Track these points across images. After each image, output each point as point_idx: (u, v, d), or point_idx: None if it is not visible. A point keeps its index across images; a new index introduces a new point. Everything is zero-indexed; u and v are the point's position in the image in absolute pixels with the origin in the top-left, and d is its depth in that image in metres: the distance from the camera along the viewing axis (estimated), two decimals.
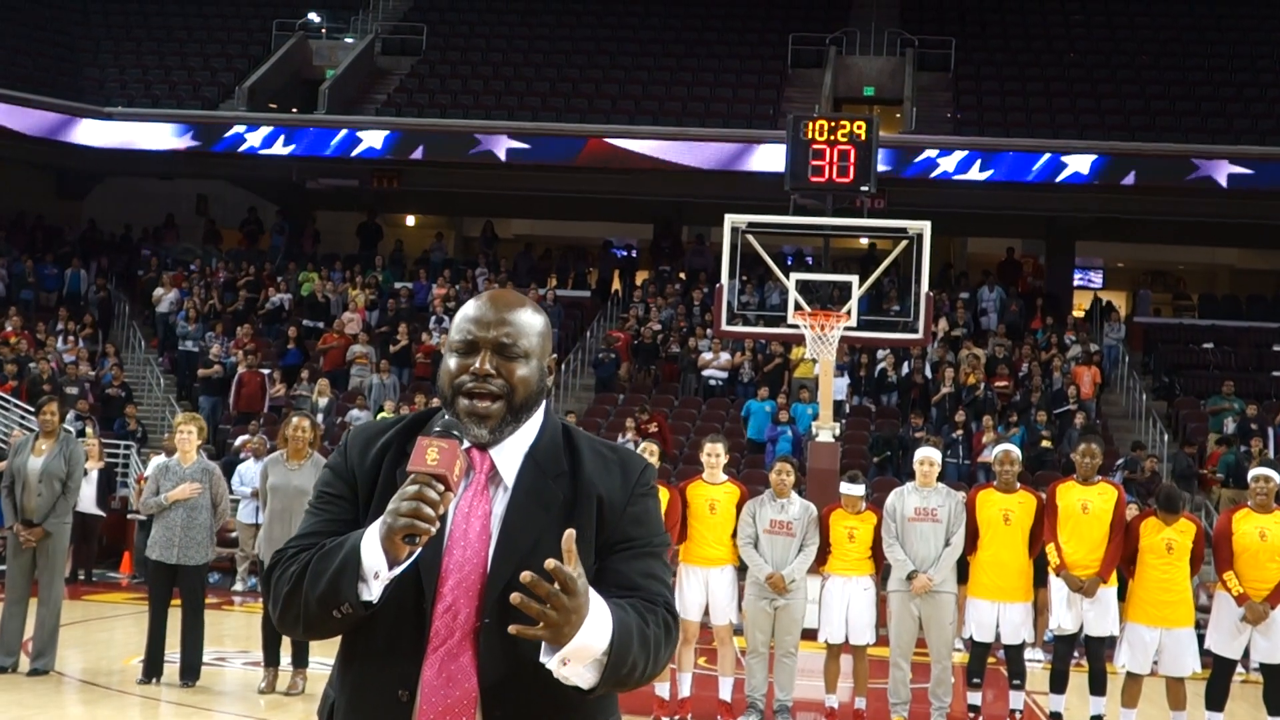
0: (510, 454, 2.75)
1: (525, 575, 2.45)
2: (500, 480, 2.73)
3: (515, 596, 2.46)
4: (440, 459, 2.56)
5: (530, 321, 2.79)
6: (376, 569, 2.56)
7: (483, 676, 2.61)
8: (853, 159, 19.32)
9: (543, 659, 2.52)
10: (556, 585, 2.45)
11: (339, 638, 2.77)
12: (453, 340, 2.79)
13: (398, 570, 2.58)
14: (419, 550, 2.58)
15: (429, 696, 2.62)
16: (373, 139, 27.93)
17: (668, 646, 2.67)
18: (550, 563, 2.46)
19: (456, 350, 2.77)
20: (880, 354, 24.87)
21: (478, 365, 2.72)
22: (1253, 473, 10.28)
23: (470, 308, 2.80)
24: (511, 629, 2.50)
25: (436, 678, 2.62)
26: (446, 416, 2.76)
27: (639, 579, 2.71)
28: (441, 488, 2.55)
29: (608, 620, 2.53)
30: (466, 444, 2.70)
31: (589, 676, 2.54)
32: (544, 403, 2.84)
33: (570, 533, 2.53)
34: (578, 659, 2.51)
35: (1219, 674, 9.99)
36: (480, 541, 2.66)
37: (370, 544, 2.57)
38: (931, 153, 26.72)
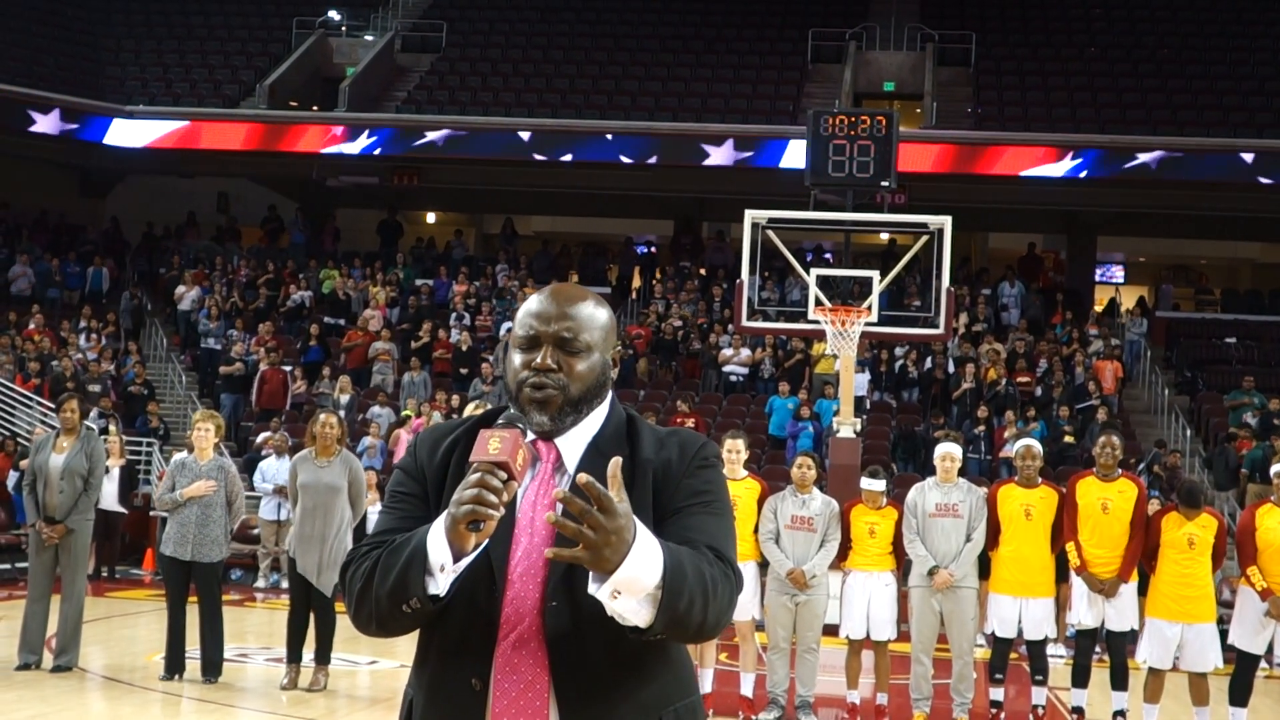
0: (575, 443, 2.79)
1: (558, 492, 2.45)
2: (565, 469, 2.77)
3: (549, 515, 2.47)
4: (502, 448, 2.58)
5: (592, 315, 2.82)
6: (442, 562, 2.58)
7: (553, 659, 2.63)
8: (873, 154, 19.28)
9: (591, 589, 2.50)
10: (593, 506, 2.43)
11: (413, 641, 2.80)
12: (516, 335, 2.82)
13: (463, 563, 2.59)
14: (484, 543, 2.60)
15: (501, 683, 2.65)
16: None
17: (727, 590, 2.63)
18: (582, 477, 2.44)
19: (519, 346, 2.80)
20: (898, 350, 24.83)
21: (539, 361, 2.75)
22: (1275, 468, 10.24)
23: (533, 302, 2.83)
24: (548, 551, 2.49)
25: (508, 664, 2.65)
26: (510, 412, 2.79)
27: (693, 535, 2.69)
28: (504, 475, 2.57)
29: (658, 552, 2.51)
30: (532, 436, 2.74)
31: (644, 613, 2.51)
32: (610, 394, 2.87)
33: (616, 460, 2.53)
34: (629, 591, 2.48)
35: (1242, 669, 9.96)
36: (546, 528, 2.67)
37: (436, 537, 2.59)
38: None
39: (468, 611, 2.65)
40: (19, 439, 20.87)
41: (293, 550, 10.69)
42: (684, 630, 2.60)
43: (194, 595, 10.72)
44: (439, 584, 2.60)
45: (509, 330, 23.52)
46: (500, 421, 2.74)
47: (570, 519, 2.43)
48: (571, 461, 2.76)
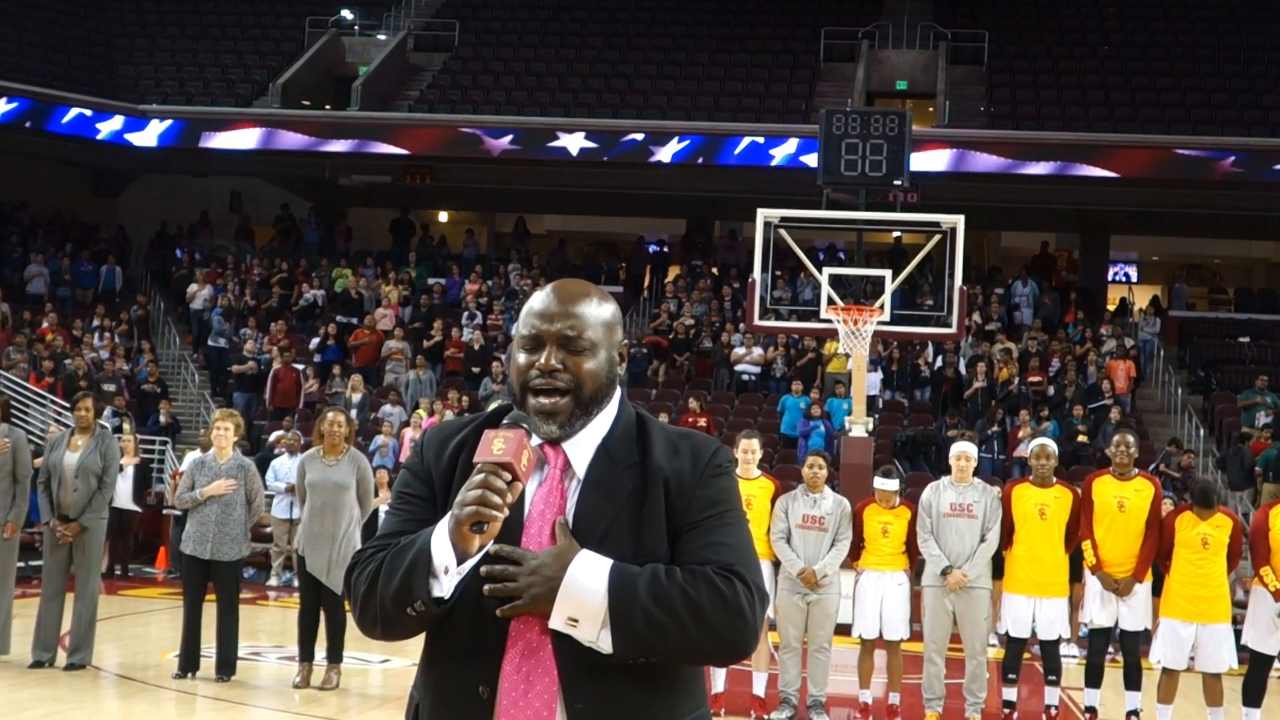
0: (583, 447, 2.74)
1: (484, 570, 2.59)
2: (574, 474, 2.72)
3: (559, 520, 2.64)
4: (506, 448, 2.55)
5: (596, 312, 2.76)
6: (446, 564, 2.57)
7: (562, 670, 2.61)
8: (885, 153, 19.26)
9: (551, 624, 2.57)
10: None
11: (422, 640, 2.78)
12: (519, 335, 2.77)
13: (468, 565, 2.58)
14: (489, 545, 2.59)
15: (509, 692, 2.62)
16: None
17: (722, 608, 2.60)
18: (491, 546, 2.58)
19: (523, 346, 2.75)
20: (912, 348, 24.80)
21: (543, 361, 2.71)
22: None
23: (535, 301, 2.78)
24: (498, 611, 2.58)
25: (516, 673, 2.62)
26: (516, 412, 2.76)
27: (705, 551, 2.67)
28: (508, 476, 2.55)
29: (603, 574, 2.56)
30: (538, 440, 2.70)
31: (610, 639, 2.56)
32: (618, 393, 2.82)
33: (561, 519, 2.64)
34: (584, 617, 2.55)
35: (1256, 670, 9.93)
36: (554, 534, 2.65)
37: (440, 539, 2.58)
38: None
39: (475, 617, 2.62)
40: (33, 437, 20.92)
41: (302, 549, 10.70)
42: (674, 653, 2.62)
43: (211, 593, 10.74)
44: (443, 586, 2.58)
45: None
46: (505, 422, 2.70)
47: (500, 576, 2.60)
48: (580, 465, 2.72)
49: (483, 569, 2.57)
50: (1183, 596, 9.84)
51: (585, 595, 2.54)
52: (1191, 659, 9.92)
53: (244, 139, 28.53)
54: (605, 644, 2.56)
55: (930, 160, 26.18)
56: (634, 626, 2.54)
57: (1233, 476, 21.28)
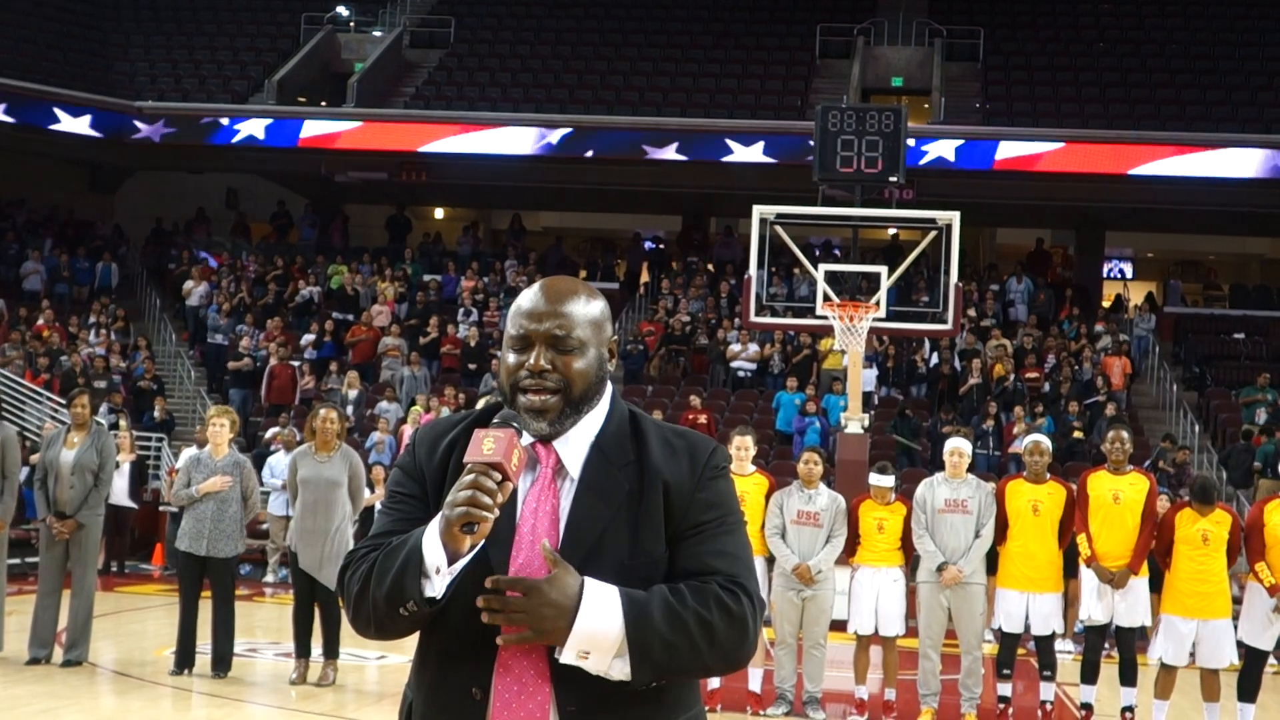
0: (576, 445, 2.71)
1: (484, 595, 2.53)
2: (566, 473, 2.70)
3: (543, 545, 2.56)
4: (496, 448, 2.53)
5: (584, 310, 2.73)
6: (438, 564, 2.55)
7: (554, 671, 2.59)
8: (881, 150, 19.28)
9: (560, 658, 2.54)
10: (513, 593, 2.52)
11: (415, 640, 2.77)
12: (508, 334, 2.75)
13: (459, 565, 2.56)
14: (479, 544, 2.57)
15: (502, 694, 2.61)
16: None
17: (734, 629, 2.60)
18: (489, 580, 2.54)
19: (512, 346, 2.73)
20: (908, 344, 24.81)
21: (532, 362, 2.68)
22: None
23: (523, 299, 2.76)
24: (499, 639, 2.55)
25: (509, 674, 2.61)
26: (506, 411, 2.73)
27: (709, 559, 2.66)
28: (499, 476, 2.53)
29: (616, 606, 2.52)
30: (529, 439, 2.68)
31: (625, 668, 2.53)
32: (610, 389, 2.80)
33: (545, 543, 2.57)
34: (596, 649, 2.52)
35: (1251, 665, 9.95)
36: (549, 536, 2.64)
37: (431, 539, 2.56)
38: None
39: (467, 618, 2.59)
40: (29, 434, 20.91)
41: (294, 545, 10.71)
42: (684, 674, 2.62)
43: (206, 590, 10.76)
44: (435, 587, 2.56)
45: None
46: (496, 420, 2.68)
47: (502, 608, 2.53)
48: (573, 465, 2.70)
49: (480, 600, 2.53)
50: (1184, 593, 9.86)
51: (600, 633, 2.52)
52: (1191, 655, 9.94)
53: (240, 135, 28.51)
54: (617, 672, 2.54)
55: (926, 156, 26.18)
56: (652, 657, 2.53)
57: (1238, 474, 21.25)
